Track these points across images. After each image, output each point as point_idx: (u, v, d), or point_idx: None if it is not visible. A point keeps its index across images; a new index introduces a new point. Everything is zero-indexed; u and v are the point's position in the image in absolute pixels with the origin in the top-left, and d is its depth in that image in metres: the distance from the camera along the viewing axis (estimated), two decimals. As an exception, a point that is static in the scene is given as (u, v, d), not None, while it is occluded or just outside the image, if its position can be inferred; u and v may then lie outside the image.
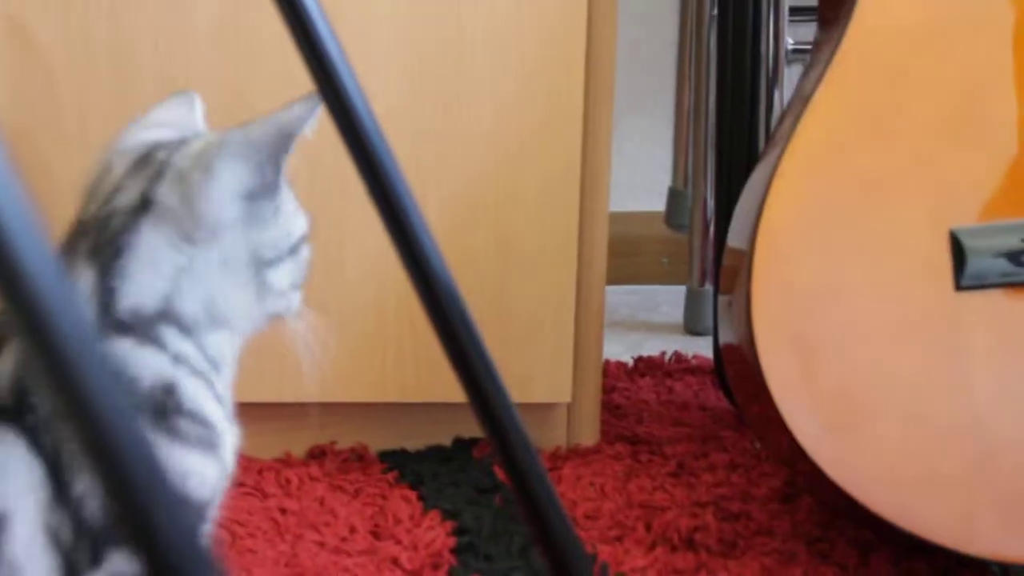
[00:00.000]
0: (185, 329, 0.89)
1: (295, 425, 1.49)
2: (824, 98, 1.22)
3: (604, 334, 1.52)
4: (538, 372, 1.48)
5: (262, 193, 0.90)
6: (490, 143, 1.45)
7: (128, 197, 0.89)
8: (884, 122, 1.23)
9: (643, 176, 2.07)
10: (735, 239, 1.29)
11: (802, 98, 1.24)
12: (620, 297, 2.00)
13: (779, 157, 1.22)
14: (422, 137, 1.44)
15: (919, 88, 1.23)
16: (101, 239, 0.88)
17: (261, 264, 0.91)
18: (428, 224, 0.96)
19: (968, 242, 1.21)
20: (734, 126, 1.60)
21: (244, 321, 0.92)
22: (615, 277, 1.70)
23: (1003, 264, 1.22)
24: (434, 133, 1.44)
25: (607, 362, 1.65)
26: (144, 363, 0.87)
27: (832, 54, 1.22)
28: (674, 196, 2.02)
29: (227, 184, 0.89)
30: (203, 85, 1.41)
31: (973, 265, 1.21)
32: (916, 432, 1.21)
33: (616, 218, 1.57)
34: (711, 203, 1.82)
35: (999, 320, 1.23)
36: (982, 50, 1.24)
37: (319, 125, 0.93)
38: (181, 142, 0.91)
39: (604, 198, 1.50)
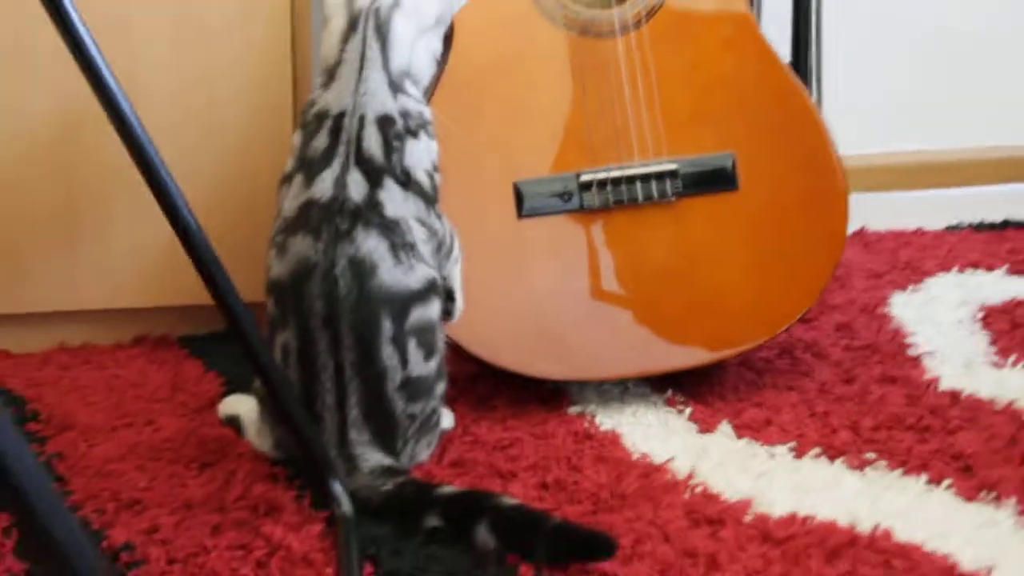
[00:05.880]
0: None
1: (125, 322, 1.93)
2: (437, 101, 1.72)
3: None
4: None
5: None
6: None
7: None
8: (473, 114, 1.71)
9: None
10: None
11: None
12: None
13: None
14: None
15: (494, 94, 1.72)
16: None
17: None
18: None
19: (525, 189, 1.76)
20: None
21: None
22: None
23: (555, 202, 1.76)
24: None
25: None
26: None
27: (440, 75, 1.74)
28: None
29: None
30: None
31: (528, 203, 1.76)
32: (500, 307, 1.72)
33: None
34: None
35: (548, 236, 1.75)
36: (532, 67, 1.72)
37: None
38: None
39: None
